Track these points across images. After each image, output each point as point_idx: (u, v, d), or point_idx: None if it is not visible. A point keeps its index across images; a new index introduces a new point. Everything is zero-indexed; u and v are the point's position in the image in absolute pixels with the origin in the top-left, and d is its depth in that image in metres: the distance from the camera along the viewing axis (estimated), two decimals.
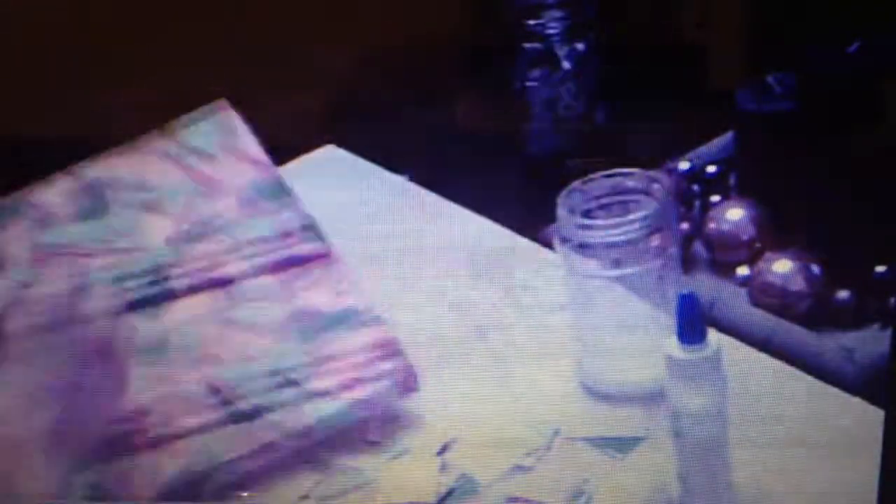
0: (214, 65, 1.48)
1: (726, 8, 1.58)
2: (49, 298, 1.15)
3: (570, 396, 1.14)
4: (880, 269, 1.35)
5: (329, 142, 1.48)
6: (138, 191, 1.25)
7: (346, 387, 1.11)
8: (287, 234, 1.22)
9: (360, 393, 1.11)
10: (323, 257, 1.21)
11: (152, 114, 1.32)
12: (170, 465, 1.06)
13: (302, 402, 1.10)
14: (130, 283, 1.17)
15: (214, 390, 1.10)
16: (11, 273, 1.17)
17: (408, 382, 1.13)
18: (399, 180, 1.44)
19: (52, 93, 1.48)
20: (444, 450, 1.10)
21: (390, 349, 1.13)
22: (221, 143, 1.29)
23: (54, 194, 1.24)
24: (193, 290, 1.18)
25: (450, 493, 1.06)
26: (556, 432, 1.10)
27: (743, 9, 1.57)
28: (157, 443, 1.07)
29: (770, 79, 1.45)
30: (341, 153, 1.46)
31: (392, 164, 1.45)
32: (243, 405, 1.09)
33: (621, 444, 1.08)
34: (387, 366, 1.13)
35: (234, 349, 1.13)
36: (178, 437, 1.07)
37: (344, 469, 1.09)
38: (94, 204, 1.23)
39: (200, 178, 1.27)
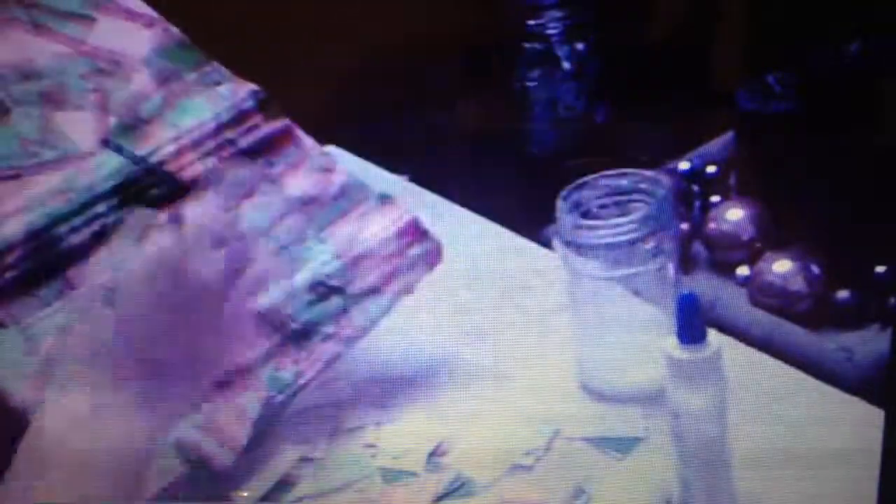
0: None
1: (726, 8, 1.58)
2: (12, 250, 1.03)
3: (570, 396, 1.14)
4: (880, 269, 1.35)
5: (329, 142, 1.48)
6: (28, 80, 1.10)
7: (387, 281, 1.12)
8: (243, 116, 1.13)
9: (399, 283, 1.12)
10: (287, 132, 1.14)
11: None
12: (248, 401, 1.05)
13: (350, 306, 1.10)
14: (99, 208, 1.06)
15: (261, 318, 1.07)
16: None
17: (434, 258, 1.15)
18: (399, 180, 1.44)
19: None
20: (442, 450, 1.10)
21: (417, 233, 1.14)
22: (90, 0, 1.14)
23: None
24: (167, 200, 1.05)
25: (447, 494, 1.06)
26: (556, 432, 1.10)
27: (743, 9, 1.57)
28: (226, 384, 1.05)
29: (770, 79, 1.45)
30: (341, 153, 1.46)
31: (392, 164, 1.45)
32: (295, 326, 1.08)
33: (621, 444, 1.08)
34: (417, 250, 1.14)
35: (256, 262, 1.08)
36: (245, 372, 1.06)
37: (340, 468, 1.09)
38: None
39: (91, 52, 1.12)
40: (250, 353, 1.06)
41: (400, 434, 1.11)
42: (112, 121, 1.09)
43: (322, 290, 1.10)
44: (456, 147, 1.56)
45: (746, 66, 1.54)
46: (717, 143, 1.54)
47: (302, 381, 1.07)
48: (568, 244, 1.11)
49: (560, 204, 1.12)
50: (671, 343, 0.98)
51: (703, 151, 1.54)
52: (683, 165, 1.51)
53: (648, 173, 1.14)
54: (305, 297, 1.09)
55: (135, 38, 1.13)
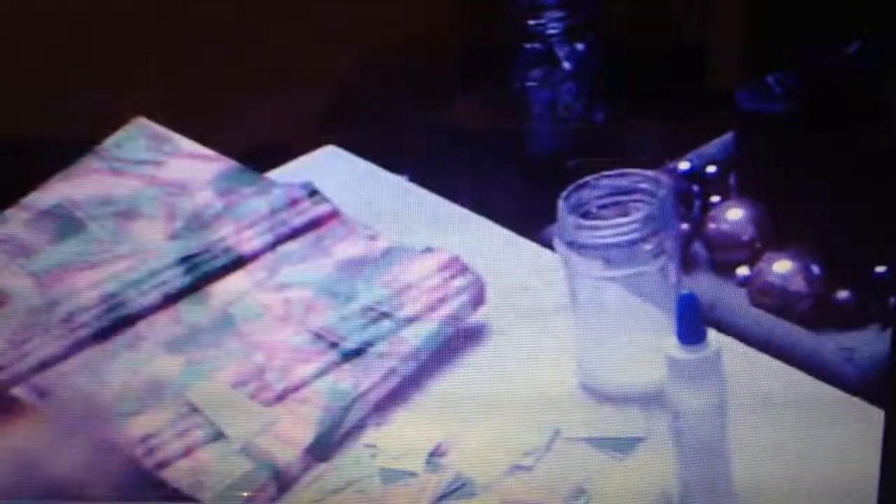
0: (213, 65, 1.48)
1: (726, 8, 1.58)
2: (87, 310, 1.17)
3: (570, 396, 1.14)
4: (880, 269, 1.35)
5: (329, 142, 1.48)
6: (105, 205, 1.26)
7: (433, 308, 1.18)
8: (295, 202, 1.26)
9: (445, 311, 1.18)
10: (335, 216, 1.27)
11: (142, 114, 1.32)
12: (308, 412, 1.10)
13: (400, 329, 1.16)
14: (165, 277, 1.20)
15: (318, 337, 1.15)
16: (21, 303, 1.17)
17: (479, 295, 1.21)
18: (399, 180, 1.44)
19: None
20: (442, 450, 1.10)
21: (458, 266, 1.21)
22: (160, 148, 1.31)
23: (15, 227, 1.24)
24: (227, 269, 1.22)
25: (447, 494, 1.06)
26: (557, 432, 1.10)
27: (743, 9, 1.57)
28: (284, 395, 1.11)
29: (770, 79, 1.45)
30: (341, 153, 1.46)
31: (392, 164, 1.44)
32: (349, 344, 1.15)
33: (621, 444, 1.08)
34: (461, 282, 1.20)
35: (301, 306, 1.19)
36: (303, 385, 1.12)
37: (340, 468, 1.09)
38: (66, 224, 1.25)
39: (162, 182, 1.28)
40: (308, 366, 1.13)
41: (400, 434, 1.11)
42: (178, 224, 1.24)
43: (372, 314, 1.17)
44: (456, 147, 1.56)
45: (746, 66, 1.54)
46: (717, 143, 1.54)
47: (361, 390, 1.12)
48: (569, 244, 1.11)
49: (561, 204, 1.12)
50: (671, 343, 0.98)
51: (703, 151, 1.53)
52: (683, 165, 1.50)
53: (648, 173, 1.14)
54: (358, 321, 1.17)
55: (200, 169, 1.29)
